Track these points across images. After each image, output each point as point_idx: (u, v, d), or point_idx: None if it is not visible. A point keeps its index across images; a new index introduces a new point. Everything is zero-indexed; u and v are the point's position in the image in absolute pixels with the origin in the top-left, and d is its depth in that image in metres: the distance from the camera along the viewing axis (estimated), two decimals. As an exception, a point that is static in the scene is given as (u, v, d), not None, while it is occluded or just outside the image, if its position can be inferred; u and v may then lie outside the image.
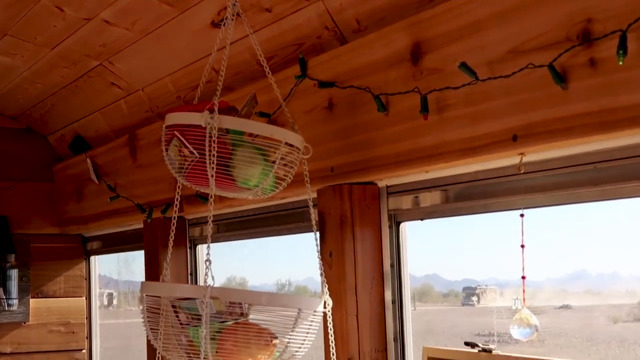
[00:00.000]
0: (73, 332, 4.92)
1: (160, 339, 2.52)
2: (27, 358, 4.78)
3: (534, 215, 2.30)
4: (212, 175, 2.36)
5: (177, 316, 2.52)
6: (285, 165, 2.49)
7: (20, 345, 4.77)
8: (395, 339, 2.79)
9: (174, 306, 2.51)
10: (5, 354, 4.73)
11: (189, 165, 2.42)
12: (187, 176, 2.44)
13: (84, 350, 4.95)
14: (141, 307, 2.50)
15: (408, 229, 2.86)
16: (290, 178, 2.49)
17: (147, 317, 2.50)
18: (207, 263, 2.35)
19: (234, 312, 2.48)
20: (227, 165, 2.40)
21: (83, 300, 4.98)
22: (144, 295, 2.47)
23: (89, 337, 5.01)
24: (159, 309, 2.49)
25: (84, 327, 4.97)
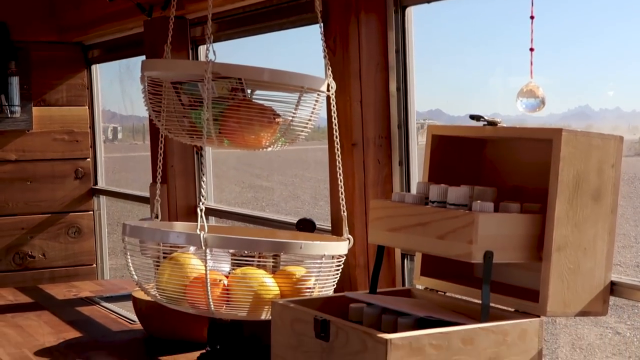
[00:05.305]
0: (77, 141, 4.91)
1: (162, 123, 2.50)
2: (32, 165, 4.79)
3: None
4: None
5: (179, 98, 2.49)
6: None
7: (25, 152, 4.77)
8: (399, 126, 2.77)
9: (175, 88, 2.47)
10: (10, 161, 4.74)
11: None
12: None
13: (88, 159, 4.96)
14: (142, 88, 2.47)
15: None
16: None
17: (149, 99, 2.48)
18: (208, 39, 2.30)
19: (237, 97, 2.45)
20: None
21: (86, 109, 4.95)
22: (145, 74, 2.43)
23: (93, 146, 5.01)
24: (161, 91, 2.46)
25: (88, 136, 4.96)
